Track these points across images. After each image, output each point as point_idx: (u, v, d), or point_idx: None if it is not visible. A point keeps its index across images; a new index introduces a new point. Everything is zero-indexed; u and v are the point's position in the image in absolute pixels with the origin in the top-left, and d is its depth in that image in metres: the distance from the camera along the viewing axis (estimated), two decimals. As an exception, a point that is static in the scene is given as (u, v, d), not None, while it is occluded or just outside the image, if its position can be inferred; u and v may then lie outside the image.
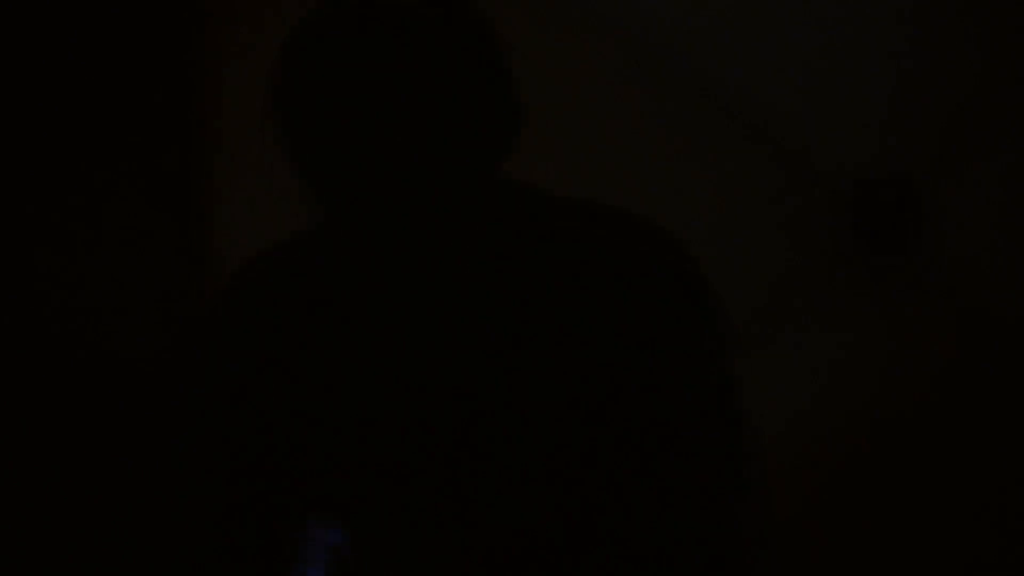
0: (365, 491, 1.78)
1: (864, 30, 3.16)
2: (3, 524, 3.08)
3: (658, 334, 1.75)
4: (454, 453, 1.75)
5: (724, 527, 1.76)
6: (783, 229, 3.18)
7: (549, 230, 1.79)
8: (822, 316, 3.19)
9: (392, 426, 1.76)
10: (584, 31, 3.21)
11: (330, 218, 1.78)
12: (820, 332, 3.19)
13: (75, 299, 3.13)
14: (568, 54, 3.19)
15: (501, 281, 1.76)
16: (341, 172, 1.72)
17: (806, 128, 3.18)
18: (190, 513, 1.83)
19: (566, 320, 1.75)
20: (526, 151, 1.95)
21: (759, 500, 1.79)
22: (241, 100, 3.21)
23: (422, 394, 1.75)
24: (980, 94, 3.15)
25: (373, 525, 1.78)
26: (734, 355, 1.81)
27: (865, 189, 3.17)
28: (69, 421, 3.12)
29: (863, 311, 3.18)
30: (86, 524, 3.11)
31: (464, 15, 1.75)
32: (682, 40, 3.19)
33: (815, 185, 3.19)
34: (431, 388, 1.76)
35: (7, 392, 3.11)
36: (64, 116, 3.15)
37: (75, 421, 3.12)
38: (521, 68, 1.75)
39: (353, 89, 1.70)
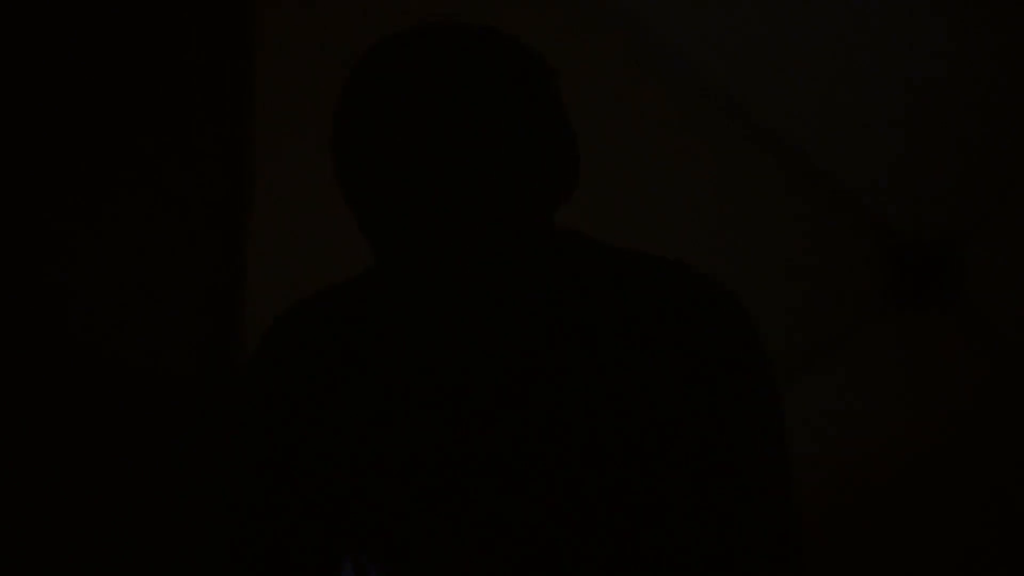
0: (406, 535, 1.76)
1: (917, 89, 3.16)
2: (13, 525, 3.07)
3: (712, 389, 1.73)
4: (499, 503, 1.73)
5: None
6: (823, 279, 3.18)
7: (603, 282, 1.77)
8: (859, 368, 3.18)
9: (436, 477, 1.74)
10: (627, 63, 3.19)
11: (381, 265, 1.76)
12: (856, 383, 3.19)
13: (108, 306, 3.12)
14: (613, 90, 3.18)
15: (554, 334, 1.74)
16: (397, 219, 1.69)
17: (854, 180, 3.18)
18: (232, 555, 1.81)
19: (619, 374, 1.73)
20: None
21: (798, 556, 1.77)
22: (283, 108, 3.19)
23: (470, 446, 1.73)
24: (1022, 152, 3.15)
25: (411, 567, 1.76)
26: (783, 412, 1.78)
27: (909, 244, 3.16)
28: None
29: (900, 365, 3.18)
30: (94, 528, 3.10)
31: (525, 63, 1.72)
32: (740, 84, 3.18)
33: (859, 237, 3.18)
34: (479, 440, 1.73)
35: (34, 396, 3.10)
36: (101, 117, 3.14)
37: (105, 428, 3.12)
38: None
39: (412, 136, 1.67)
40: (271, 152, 3.19)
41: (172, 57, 3.14)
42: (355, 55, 1.77)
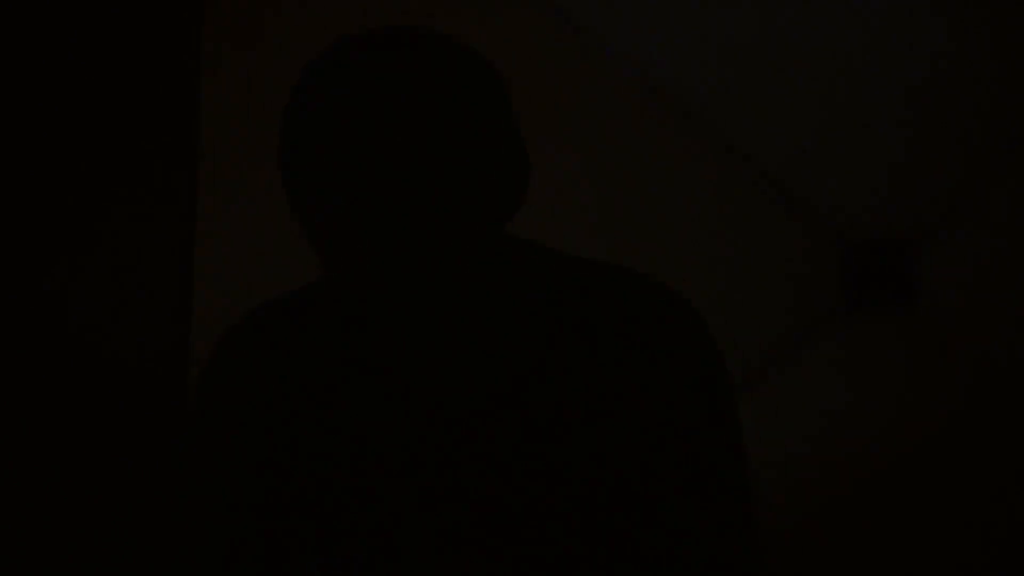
0: (365, 558, 1.73)
1: (865, 93, 3.18)
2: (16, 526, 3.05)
3: (666, 397, 1.71)
4: (457, 521, 1.70)
5: None
6: (774, 285, 3.18)
7: (556, 290, 1.74)
8: (810, 374, 3.19)
9: (393, 494, 1.72)
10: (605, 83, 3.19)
11: (330, 276, 1.73)
12: (807, 389, 3.20)
13: (67, 302, 3.10)
14: (584, 107, 3.18)
15: (508, 343, 1.72)
16: (345, 229, 1.67)
17: (804, 185, 3.19)
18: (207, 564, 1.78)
19: (573, 384, 1.70)
20: (537, 201, 1.92)
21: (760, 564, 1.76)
22: (231, 108, 3.17)
23: (423, 462, 1.71)
24: (975, 157, 3.18)
25: None
26: (738, 420, 1.77)
27: (860, 249, 3.17)
28: (66, 425, 3.10)
29: (851, 370, 3.19)
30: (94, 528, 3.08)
31: (470, 68, 1.70)
32: (693, 90, 3.18)
33: (811, 243, 3.19)
34: (432, 456, 1.71)
35: (14, 394, 3.08)
36: (59, 117, 3.13)
37: (71, 425, 3.10)
38: (528, 115, 1.74)
39: (359, 146, 1.65)
40: (218, 154, 3.18)
41: (118, 74, 3.13)
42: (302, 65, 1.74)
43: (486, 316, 1.72)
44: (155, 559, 3.05)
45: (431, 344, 1.71)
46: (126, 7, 3.12)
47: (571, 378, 1.70)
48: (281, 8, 3.14)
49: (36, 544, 3.06)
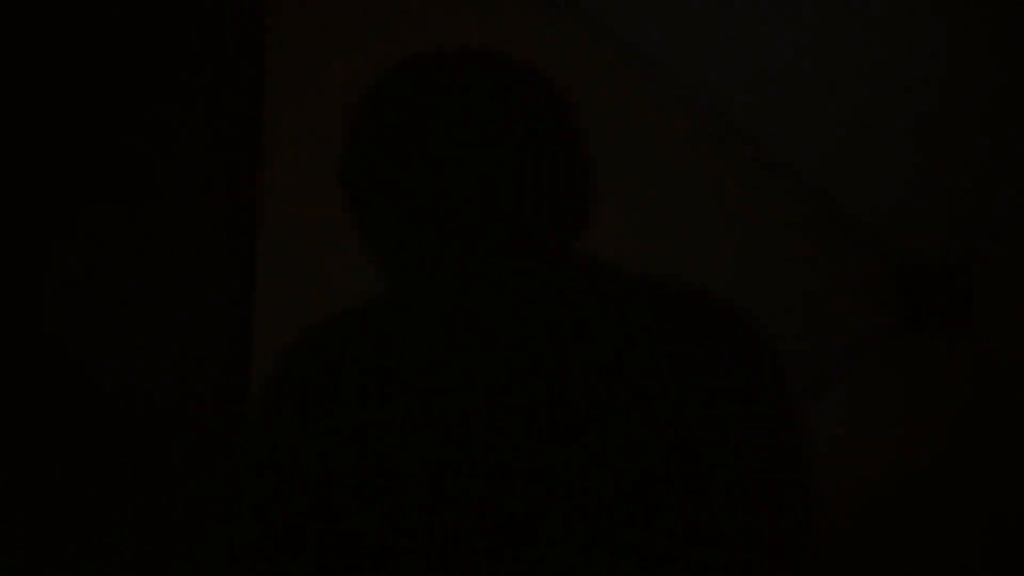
0: (422, 568, 1.72)
1: (924, 115, 3.17)
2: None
3: (732, 418, 1.71)
4: (518, 535, 1.70)
5: None
6: (830, 305, 3.17)
7: (620, 310, 1.73)
8: (866, 394, 3.18)
9: (453, 510, 1.71)
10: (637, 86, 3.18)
11: (392, 291, 1.72)
12: (863, 409, 3.18)
13: (115, 303, 3.10)
14: (617, 110, 3.17)
15: (568, 362, 1.71)
16: (409, 244, 1.66)
17: (860, 206, 3.17)
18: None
19: (637, 403, 1.70)
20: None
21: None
22: (292, 112, 3.17)
23: (484, 475, 1.71)
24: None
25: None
26: (802, 440, 1.77)
27: (916, 271, 3.16)
28: (124, 429, 3.09)
29: (907, 390, 3.18)
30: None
31: (538, 86, 1.70)
32: (749, 109, 3.18)
33: (870, 265, 3.18)
34: (493, 469, 1.71)
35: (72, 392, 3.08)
36: (106, 117, 3.13)
37: (128, 429, 3.09)
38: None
39: (424, 159, 1.64)
40: (280, 161, 3.17)
41: (181, 59, 3.13)
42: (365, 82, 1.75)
43: (546, 336, 1.71)
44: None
45: (490, 363, 1.71)
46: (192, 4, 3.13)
47: (636, 399, 1.69)
48: (346, 9, 3.15)
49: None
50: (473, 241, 1.64)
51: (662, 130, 3.19)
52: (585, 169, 1.72)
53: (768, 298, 3.16)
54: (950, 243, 3.18)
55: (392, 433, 1.73)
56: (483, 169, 1.64)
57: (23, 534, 3.04)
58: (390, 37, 3.14)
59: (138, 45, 3.12)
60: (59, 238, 3.11)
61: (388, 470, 1.73)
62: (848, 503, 3.16)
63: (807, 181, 3.18)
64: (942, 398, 3.18)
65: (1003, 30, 3.17)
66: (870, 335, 3.19)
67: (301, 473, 1.77)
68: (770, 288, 3.17)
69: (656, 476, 1.69)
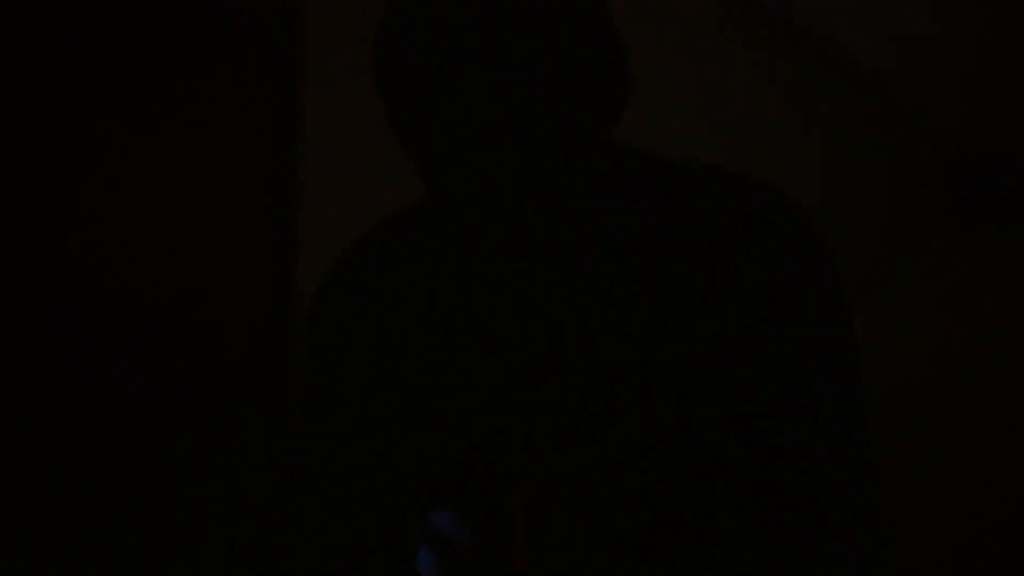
0: (476, 478, 1.73)
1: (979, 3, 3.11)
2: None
3: (780, 304, 1.67)
4: (565, 436, 1.69)
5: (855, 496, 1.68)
6: (887, 192, 3.14)
7: (663, 198, 1.69)
8: (919, 281, 3.15)
9: (502, 412, 1.70)
10: None
11: (436, 196, 1.68)
12: (921, 300, 3.16)
13: (163, 281, 3.13)
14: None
15: (615, 256, 1.68)
16: (447, 144, 1.62)
17: (922, 93, 3.13)
18: (304, 504, 1.79)
19: (686, 293, 1.67)
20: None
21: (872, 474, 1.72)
22: (330, 73, 3.17)
23: (532, 379, 1.69)
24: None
25: (484, 512, 1.73)
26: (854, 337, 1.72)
27: (975, 161, 3.12)
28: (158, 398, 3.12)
29: (960, 280, 3.14)
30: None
31: None
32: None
33: (923, 154, 3.14)
34: (542, 372, 1.69)
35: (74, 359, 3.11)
36: (143, 76, 3.14)
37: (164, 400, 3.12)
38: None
39: (456, 55, 1.59)
40: (320, 99, 3.18)
41: (218, 10, 3.13)
42: None
43: (588, 229, 1.68)
44: (275, 544, 3.08)
45: (533, 260, 1.68)
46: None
47: (679, 288, 1.66)
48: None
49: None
50: (508, 137, 1.59)
51: (703, 12, 3.16)
52: (619, 52, 1.67)
53: (826, 190, 3.13)
54: (1007, 132, 3.15)
55: (439, 345, 1.72)
56: (513, 58, 1.58)
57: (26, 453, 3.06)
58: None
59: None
60: (91, 168, 3.13)
61: (436, 384, 1.72)
62: (903, 395, 3.15)
63: (863, 71, 3.14)
64: (990, 290, 3.15)
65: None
66: (928, 226, 3.16)
67: (352, 391, 1.76)
68: (827, 180, 3.14)
69: (699, 378, 1.66)
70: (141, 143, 3.14)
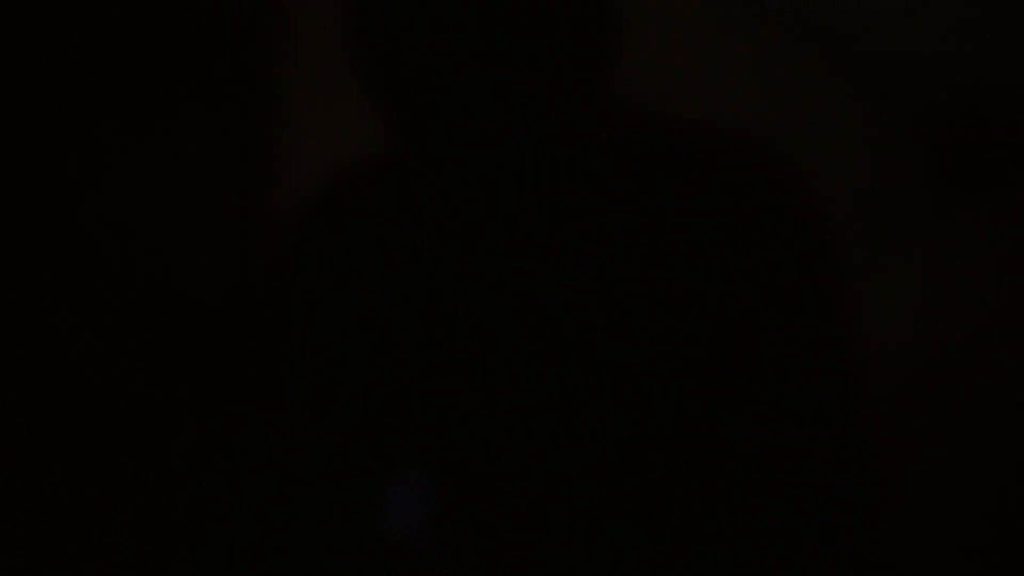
0: (452, 435, 1.69)
1: None
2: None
3: (771, 271, 1.64)
4: (547, 394, 1.66)
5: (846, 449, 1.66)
6: (872, 157, 3.09)
7: (655, 160, 1.65)
8: (905, 250, 3.11)
9: (480, 369, 1.67)
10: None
11: (412, 149, 1.63)
12: (902, 265, 3.12)
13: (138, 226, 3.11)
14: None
15: (605, 220, 1.64)
16: (423, 92, 1.56)
17: (906, 49, 3.09)
18: (281, 452, 1.76)
19: (674, 254, 1.63)
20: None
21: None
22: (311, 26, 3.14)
23: (514, 338, 1.66)
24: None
25: (460, 469, 1.70)
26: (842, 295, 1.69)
27: (963, 126, 3.07)
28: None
29: (949, 249, 3.10)
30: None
31: None
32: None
33: (911, 116, 3.10)
34: (525, 331, 1.66)
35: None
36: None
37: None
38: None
39: (434, 15, 1.54)
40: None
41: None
42: None
43: (575, 189, 1.64)
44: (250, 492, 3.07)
45: (519, 223, 1.64)
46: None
47: (670, 250, 1.63)
48: None
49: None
50: (493, 85, 1.54)
51: None
52: (609, 5, 1.61)
53: (800, 139, 3.08)
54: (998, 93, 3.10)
55: (429, 296, 1.68)
56: (497, 7, 1.53)
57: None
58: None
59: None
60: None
61: (416, 331, 1.68)
62: (908, 361, 3.11)
63: (846, 16, 3.08)
64: (979, 255, 3.10)
65: None
66: (908, 185, 3.11)
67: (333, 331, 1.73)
68: (803, 130, 3.08)
69: (688, 347, 1.63)
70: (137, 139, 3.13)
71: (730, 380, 1.65)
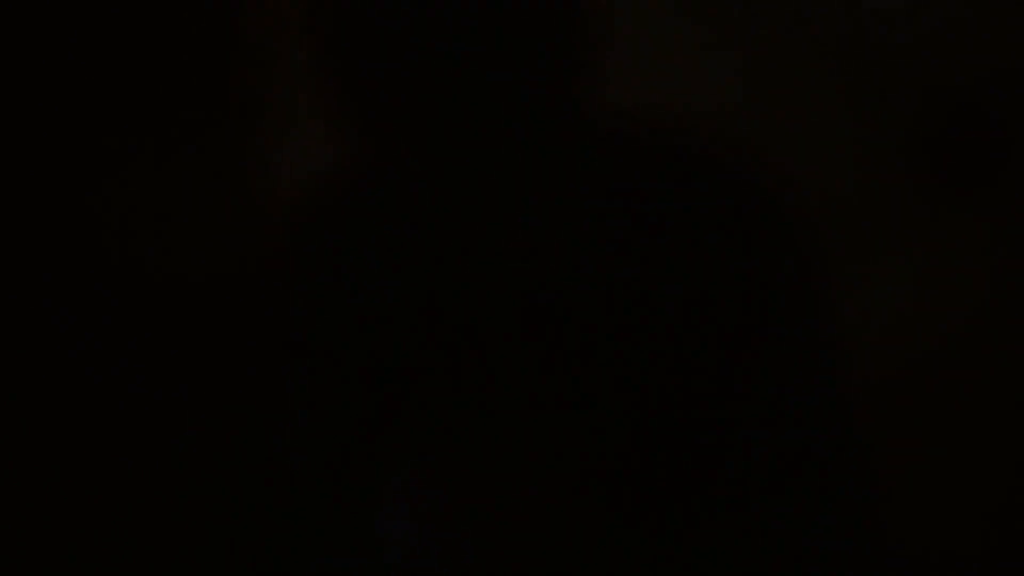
0: (451, 435, 1.69)
1: None
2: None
3: (747, 273, 1.61)
4: (546, 394, 1.65)
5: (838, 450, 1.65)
6: (867, 156, 3.08)
7: (632, 173, 1.63)
8: (900, 248, 3.11)
9: (480, 369, 1.66)
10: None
11: (379, 159, 1.61)
12: (896, 264, 3.11)
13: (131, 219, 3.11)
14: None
15: (580, 238, 1.62)
16: (392, 103, 1.50)
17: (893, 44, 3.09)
18: (276, 455, 1.77)
19: (650, 261, 1.62)
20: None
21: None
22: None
23: (514, 337, 1.65)
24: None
25: (459, 469, 1.70)
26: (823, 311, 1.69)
27: (959, 125, 3.07)
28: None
29: (943, 248, 3.09)
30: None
31: None
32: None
33: (896, 110, 3.09)
34: (525, 331, 1.65)
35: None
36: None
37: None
38: None
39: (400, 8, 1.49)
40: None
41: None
42: None
43: (552, 207, 1.61)
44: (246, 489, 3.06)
45: (493, 243, 1.62)
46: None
47: (640, 271, 1.61)
48: None
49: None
50: (464, 97, 1.49)
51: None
52: (588, 8, 1.56)
53: (784, 133, 3.06)
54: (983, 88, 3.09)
55: (403, 310, 1.68)
56: (473, 15, 1.47)
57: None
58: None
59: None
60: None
61: (402, 341, 1.68)
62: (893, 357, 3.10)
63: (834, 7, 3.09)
64: (964, 251, 3.08)
65: None
66: (892, 180, 3.10)
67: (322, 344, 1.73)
68: (788, 123, 3.06)
69: (683, 372, 1.62)
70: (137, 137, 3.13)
71: (720, 382, 1.64)
